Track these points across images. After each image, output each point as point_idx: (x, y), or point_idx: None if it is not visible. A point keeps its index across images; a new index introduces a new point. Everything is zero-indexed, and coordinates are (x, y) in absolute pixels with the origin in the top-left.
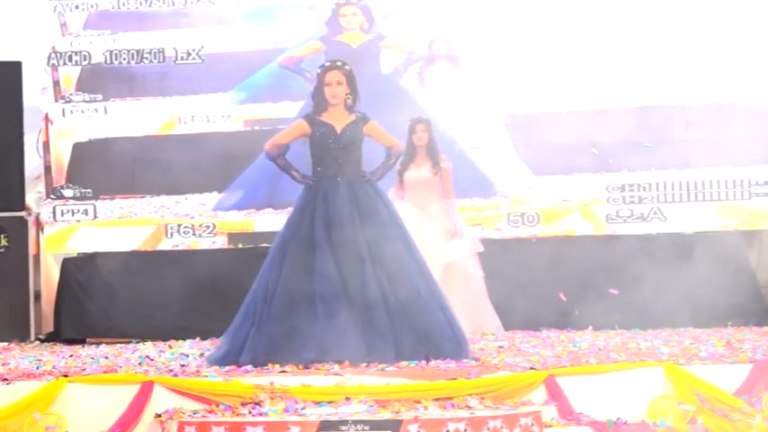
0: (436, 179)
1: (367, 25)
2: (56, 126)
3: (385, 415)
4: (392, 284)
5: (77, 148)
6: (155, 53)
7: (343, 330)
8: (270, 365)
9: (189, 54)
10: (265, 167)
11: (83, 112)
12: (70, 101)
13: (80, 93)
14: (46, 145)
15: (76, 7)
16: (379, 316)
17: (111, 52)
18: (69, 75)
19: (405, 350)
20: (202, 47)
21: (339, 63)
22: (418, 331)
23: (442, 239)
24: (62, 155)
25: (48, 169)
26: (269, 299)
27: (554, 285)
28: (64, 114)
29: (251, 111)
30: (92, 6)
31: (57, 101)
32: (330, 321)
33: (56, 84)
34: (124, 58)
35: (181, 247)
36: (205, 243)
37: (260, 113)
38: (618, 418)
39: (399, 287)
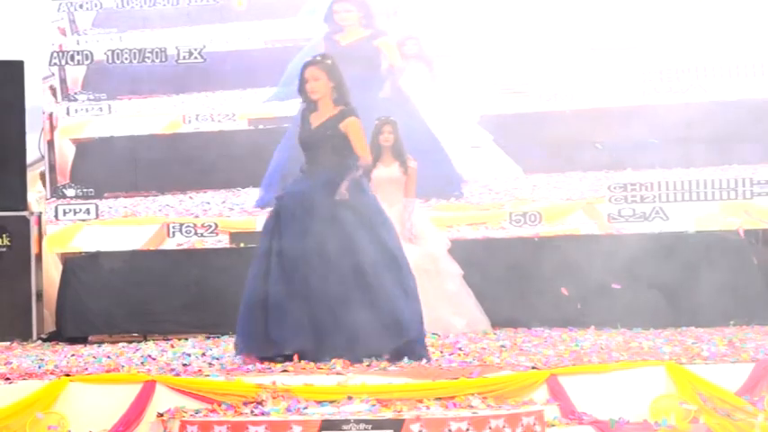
0: (404, 178)
1: (365, 21)
2: (60, 125)
3: (387, 414)
4: (323, 284)
5: (81, 147)
6: (156, 52)
7: (293, 327)
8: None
9: (191, 53)
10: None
11: (87, 110)
12: (75, 100)
13: (85, 92)
14: (50, 144)
15: (81, 6)
16: (319, 315)
17: (113, 52)
18: (75, 73)
19: (338, 349)
20: (204, 46)
21: (318, 58)
22: (351, 331)
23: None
24: (66, 154)
25: (51, 168)
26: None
27: (556, 283)
28: (68, 113)
29: (255, 109)
30: (96, 5)
31: (61, 100)
32: (281, 319)
33: (62, 82)
34: (126, 58)
35: (184, 246)
36: (207, 242)
37: (264, 112)
38: (620, 418)
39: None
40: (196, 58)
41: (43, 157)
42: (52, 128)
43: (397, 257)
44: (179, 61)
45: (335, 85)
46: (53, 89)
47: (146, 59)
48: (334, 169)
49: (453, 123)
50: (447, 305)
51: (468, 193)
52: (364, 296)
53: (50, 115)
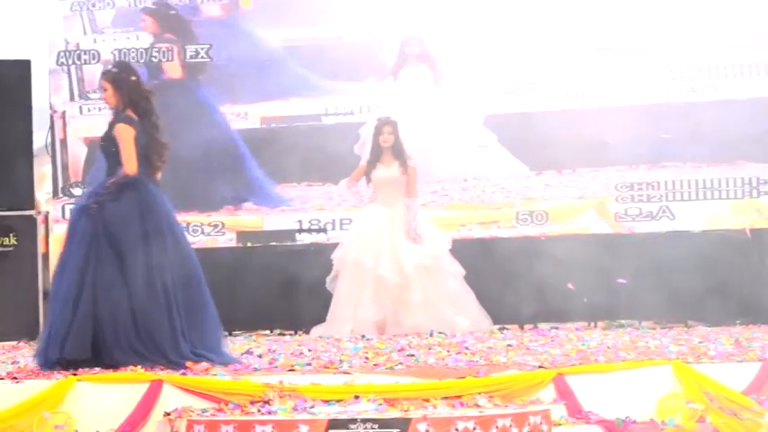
0: (404, 178)
1: (163, 30)
2: (72, 124)
3: (394, 413)
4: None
5: (93, 147)
6: (163, 52)
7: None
8: None
9: (197, 53)
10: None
11: (100, 110)
12: (88, 99)
13: (97, 91)
14: (62, 142)
15: (93, 5)
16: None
17: (119, 51)
18: (89, 73)
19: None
20: (211, 45)
21: (108, 68)
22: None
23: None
24: (77, 153)
25: (64, 167)
26: None
27: (563, 280)
28: (81, 112)
29: (268, 109)
30: (108, 4)
31: (74, 99)
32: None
33: (79, 81)
34: (132, 57)
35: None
36: (215, 241)
37: (277, 111)
38: (626, 417)
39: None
40: (203, 57)
41: (47, 148)
42: (65, 126)
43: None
44: (186, 61)
45: (122, 94)
46: (70, 88)
47: (152, 59)
48: (107, 178)
49: (458, 123)
50: (450, 305)
51: (480, 192)
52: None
53: (63, 114)
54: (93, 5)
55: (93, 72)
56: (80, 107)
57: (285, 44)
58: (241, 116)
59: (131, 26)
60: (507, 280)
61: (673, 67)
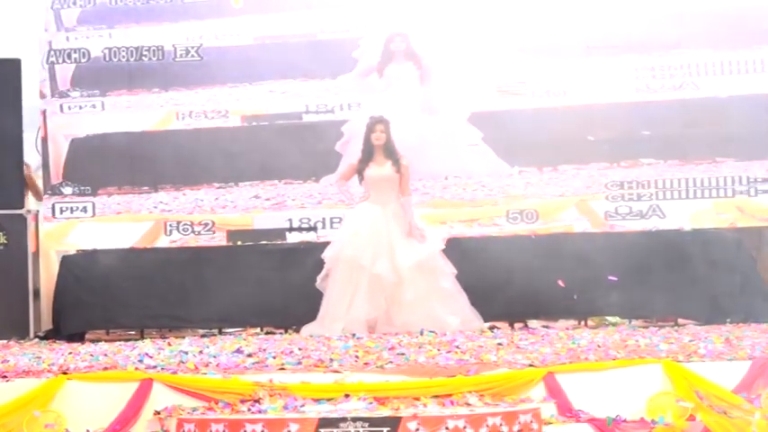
0: (397, 177)
1: None
2: (53, 122)
3: (384, 412)
4: None
5: (75, 144)
6: (153, 50)
7: None
8: None
9: (188, 51)
10: None
11: (80, 107)
12: (68, 96)
13: (78, 88)
14: (44, 141)
15: (74, 3)
16: None
17: (109, 50)
18: (67, 70)
19: None
20: (201, 44)
21: None
22: None
23: (406, 236)
24: (60, 151)
25: (46, 165)
26: None
27: (553, 278)
28: (62, 110)
29: (249, 106)
30: (89, 2)
31: (54, 96)
32: None
33: (53, 79)
34: (123, 56)
35: (179, 244)
36: (204, 240)
37: (258, 109)
38: (617, 415)
39: None
40: (193, 56)
41: (37, 146)
42: (45, 124)
43: None
44: (176, 59)
45: None
46: (44, 85)
47: (143, 57)
48: None
49: (443, 121)
50: (441, 304)
51: (461, 190)
52: None
53: (44, 112)
54: (74, 2)
55: (67, 70)
56: (60, 105)
57: (273, 41)
58: (221, 114)
59: (102, 23)
60: (496, 278)
61: (654, 65)
